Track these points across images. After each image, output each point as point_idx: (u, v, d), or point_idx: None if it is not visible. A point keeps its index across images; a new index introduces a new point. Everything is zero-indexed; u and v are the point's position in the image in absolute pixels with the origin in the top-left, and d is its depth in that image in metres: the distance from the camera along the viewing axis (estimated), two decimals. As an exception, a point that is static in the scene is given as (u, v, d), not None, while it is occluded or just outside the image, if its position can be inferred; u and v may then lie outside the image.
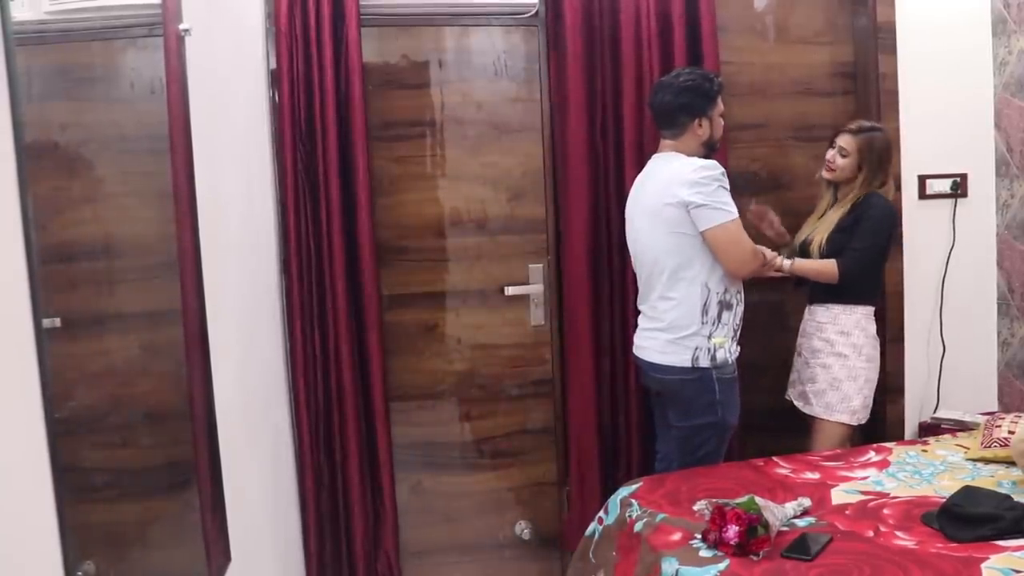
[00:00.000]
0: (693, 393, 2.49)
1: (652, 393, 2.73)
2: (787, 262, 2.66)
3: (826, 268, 2.66)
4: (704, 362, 2.46)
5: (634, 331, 2.70)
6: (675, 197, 2.41)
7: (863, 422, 2.72)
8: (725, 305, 2.48)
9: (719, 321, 2.48)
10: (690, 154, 2.51)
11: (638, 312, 2.68)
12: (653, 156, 2.62)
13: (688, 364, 2.46)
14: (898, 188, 2.87)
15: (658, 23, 2.83)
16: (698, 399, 2.49)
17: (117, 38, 1.58)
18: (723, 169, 2.43)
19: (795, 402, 2.82)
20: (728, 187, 2.43)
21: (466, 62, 2.98)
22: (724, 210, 2.39)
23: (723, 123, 2.60)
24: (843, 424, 2.69)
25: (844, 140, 2.71)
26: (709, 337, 2.47)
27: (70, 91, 1.38)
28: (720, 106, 2.56)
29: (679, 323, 2.47)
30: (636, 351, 2.65)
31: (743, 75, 3.06)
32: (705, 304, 2.46)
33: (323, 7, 2.67)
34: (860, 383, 2.68)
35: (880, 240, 2.68)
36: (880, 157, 2.71)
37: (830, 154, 2.74)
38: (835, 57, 3.13)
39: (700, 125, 2.52)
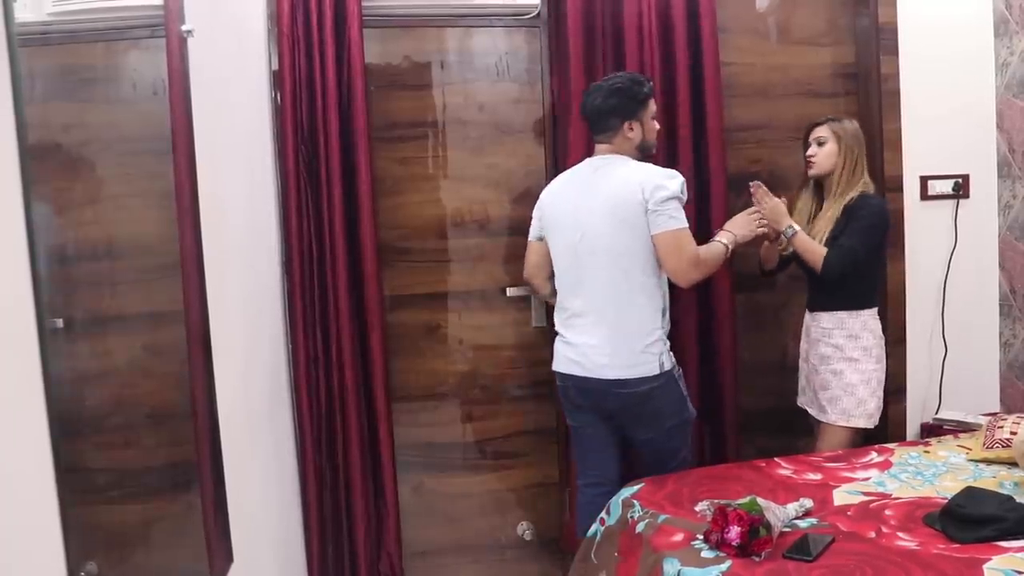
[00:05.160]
0: (665, 398, 2.43)
1: (597, 414, 2.51)
2: (793, 229, 2.62)
3: (817, 253, 2.61)
4: (667, 364, 2.43)
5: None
6: (644, 202, 2.35)
7: (876, 424, 2.71)
8: (661, 312, 2.46)
9: (667, 324, 2.47)
10: (631, 159, 2.47)
11: None
12: (592, 159, 2.52)
13: (656, 371, 2.40)
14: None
15: (659, 24, 2.83)
16: (669, 402, 2.44)
17: (119, 39, 1.59)
18: (683, 179, 2.40)
19: (808, 410, 2.79)
20: (683, 199, 2.38)
21: (468, 63, 2.98)
22: (677, 218, 2.36)
23: (657, 127, 2.55)
24: (855, 428, 2.67)
25: (818, 131, 2.73)
26: (664, 340, 2.44)
27: (73, 92, 1.39)
28: (652, 110, 2.51)
29: (648, 328, 2.41)
30: (584, 371, 2.44)
31: (745, 76, 3.06)
32: (663, 308, 2.45)
33: (325, 8, 2.68)
34: (873, 386, 2.66)
35: (870, 240, 2.64)
36: (856, 138, 2.71)
37: (809, 151, 2.74)
38: (837, 58, 3.13)
39: (631, 128, 2.46)
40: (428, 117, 2.97)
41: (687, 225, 2.38)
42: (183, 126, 1.68)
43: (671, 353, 2.46)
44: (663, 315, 2.45)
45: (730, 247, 2.52)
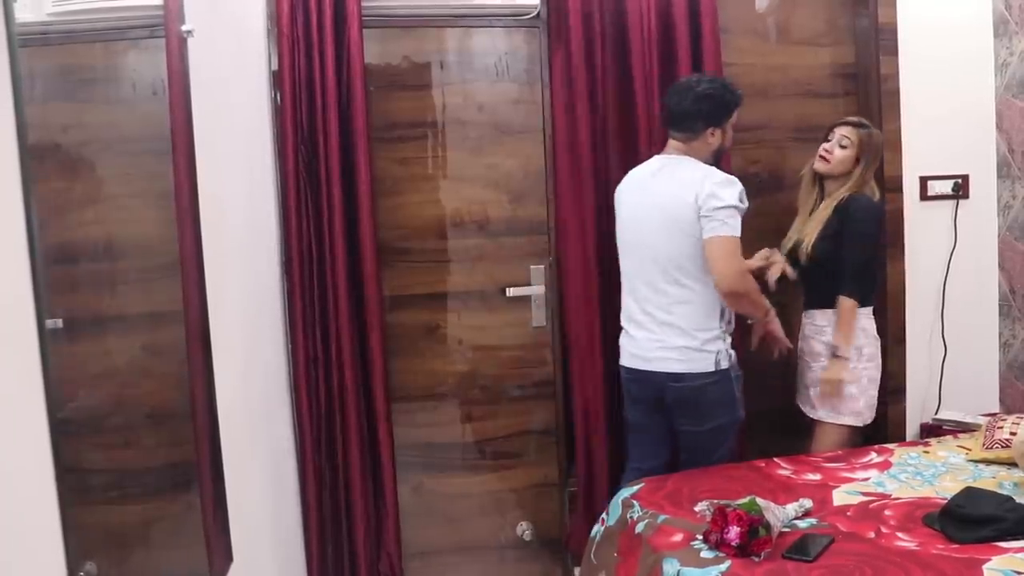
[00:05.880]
0: (717, 395, 2.48)
1: (651, 406, 2.60)
2: (843, 350, 2.62)
3: (848, 315, 2.62)
4: (724, 363, 2.47)
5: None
6: (698, 208, 2.39)
7: (868, 423, 2.72)
8: (727, 309, 2.50)
9: (729, 324, 2.50)
10: (700, 160, 2.50)
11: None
12: (662, 155, 2.58)
13: (712, 368, 2.45)
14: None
15: (659, 23, 2.83)
16: (721, 400, 2.48)
17: (119, 39, 1.59)
18: (742, 188, 2.42)
19: (802, 407, 2.80)
20: (741, 208, 2.40)
21: (468, 63, 2.98)
22: (729, 225, 2.38)
23: (732, 135, 2.59)
24: (846, 426, 2.68)
25: (846, 131, 2.70)
26: (724, 339, 2.48)
27: (73, 92, 1.39)
28: (735, 118, 2.56)
29: (699, 326, 2.45)
30: (644, 364, 2.55)
31: (745, 76, 3.05)
32: (721, 308, 2.48)
33: (325, 8, 2.68)
34: (864, 384, 2.67)
35: (868, 241, 2.66)
36: (877, 153, 2.72)
37: (827, 145, 2.72)
38: (836, 58, 3.13)
39: (712, 135, 2.51)
40: (428, 117, 2.97)
41: (738, 235, 2.39)
42: (183, 126, 1.68)
43: (731, 353, 2.50)
44: (721, 316, 2.47)
45: (770, 312, 2.60)
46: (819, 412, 2.71)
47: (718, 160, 2.59)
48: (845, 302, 2.62)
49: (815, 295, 2.75)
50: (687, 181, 2.43)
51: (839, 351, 2.62)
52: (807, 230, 2.70)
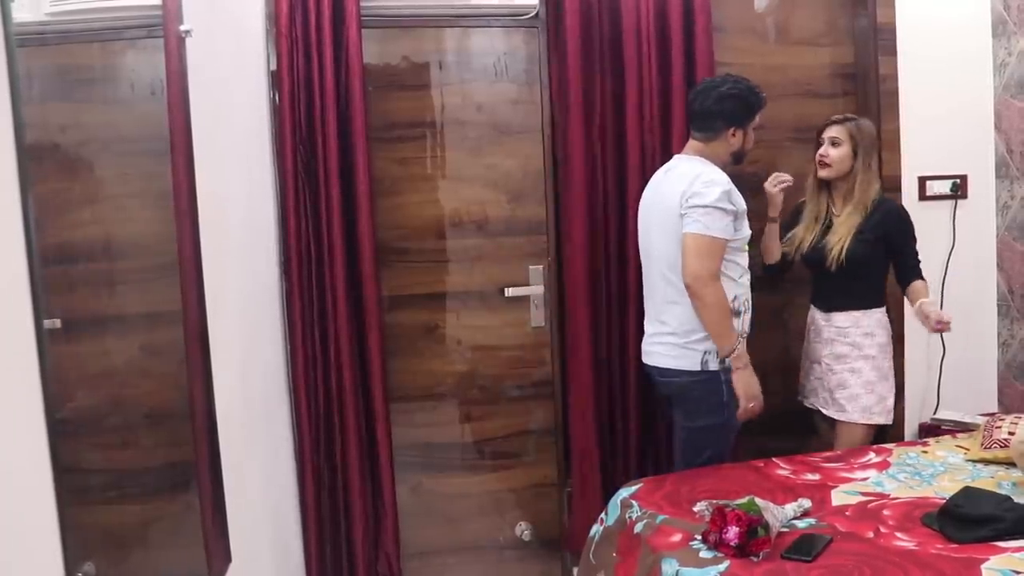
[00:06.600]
0: (701, 394, 2.49)
1: (663, 399, 2.71)
2: (929, 305, 2.63)
3: (924, 289, 2.71)
4: (713, 365, 2.46)
5: (635, 331, 2.71)
6: (682, 202, 2.40)
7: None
8: (733, 313, 2.46)
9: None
10: (718, 161, 2.51)
11: (641, 312, 2.68)
12: (679, 155, 2.60)
13: (698, 367, 2.46)
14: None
15: (657, 23, 2.83)
16: (706, 400, 2.48)
17: (117, 39, 1.58)
18: (729, 189, 2.40)
19: (824, 410, 2.77)
20: (728, 209, 2.38)
21: (466, 64, 2.98)
22: (703, 222, 2.36)
23: (753, 137, 2.59)
24: (873, 425, 2.69)
25: (834, 130, 2.71)
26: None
27: (71, 92, 1.38)
28: (757, 120, 2.56)
29: (688, 327, 2.46)
30: (645, 358, 2.64)
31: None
32: None
33: (323, 8, 2.67)
34: (890, 382, 2.73)
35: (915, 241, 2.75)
36: (871, 139, 2.72)
37: (821, 150, 2.73)
38: (835, 58, 3.13)
39: (734, 135, 2.52)
40: (426, 117, 2.97)
41: (713, 235, 2.37)
42: (181, 126, 1.68)
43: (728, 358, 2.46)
44: None
45: (738, 347, 2.43)
46: (851, 414, 2.69)
47: (739, 162, 2.61)
48: (919, 283, 2.70)
49: (839, 298, 2.73)
50: (680, 180, 2.45)
51: (926, 298, 2.67)
52: (835, 237, 2.68)
